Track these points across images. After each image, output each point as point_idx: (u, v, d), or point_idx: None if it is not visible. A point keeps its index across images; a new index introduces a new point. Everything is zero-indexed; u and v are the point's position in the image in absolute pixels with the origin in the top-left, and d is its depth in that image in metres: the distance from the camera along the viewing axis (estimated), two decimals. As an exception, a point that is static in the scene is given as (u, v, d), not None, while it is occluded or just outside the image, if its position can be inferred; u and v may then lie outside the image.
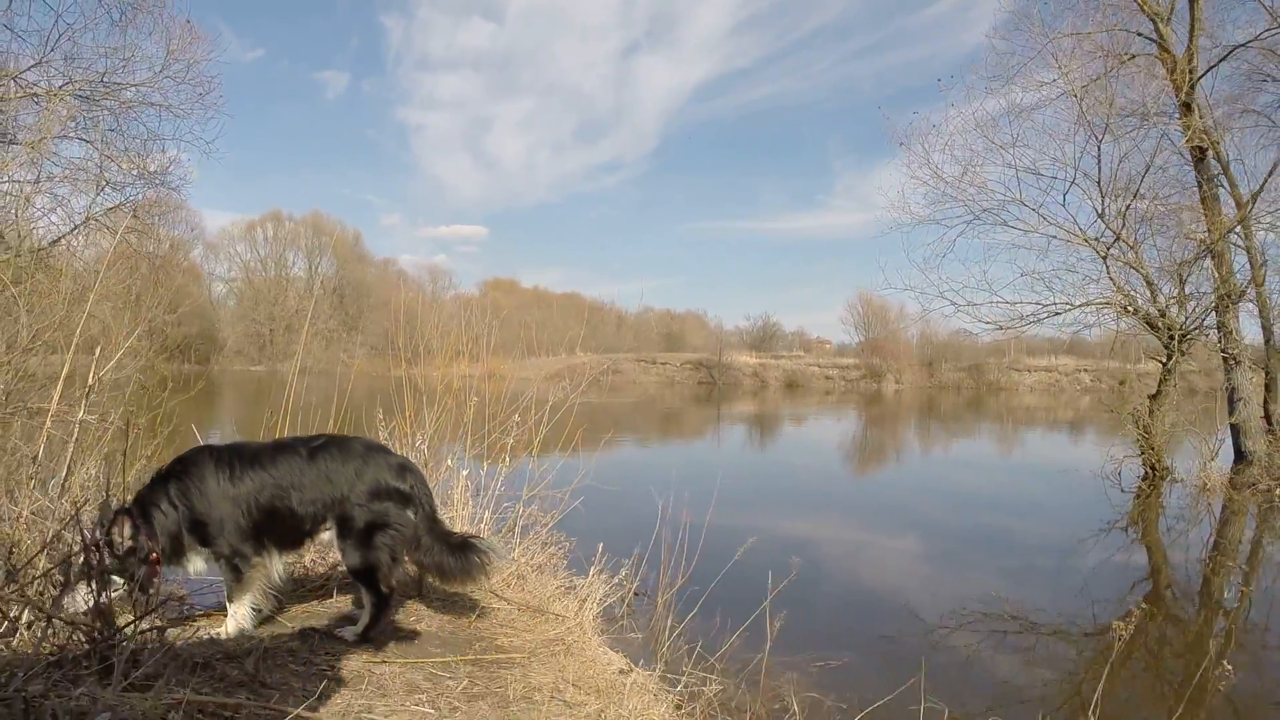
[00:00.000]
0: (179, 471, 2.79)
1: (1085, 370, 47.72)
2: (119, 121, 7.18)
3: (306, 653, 3.07)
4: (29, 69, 6.43)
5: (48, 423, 2.42)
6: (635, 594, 4.88)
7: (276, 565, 3.01)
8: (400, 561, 3.16)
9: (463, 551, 3.23)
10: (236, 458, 2.88)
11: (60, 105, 6.77)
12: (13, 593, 1.83)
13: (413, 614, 3.84)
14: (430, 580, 3.89)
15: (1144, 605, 5.91)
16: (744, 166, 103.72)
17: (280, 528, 2.94)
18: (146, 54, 7.29)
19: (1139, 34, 9.31)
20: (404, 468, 3.19)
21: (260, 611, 3.01)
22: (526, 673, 3.27)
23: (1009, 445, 20.00)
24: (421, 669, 3.10)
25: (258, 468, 2.88)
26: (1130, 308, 8.85)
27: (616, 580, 4.61)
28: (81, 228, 7.23)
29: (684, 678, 3.64)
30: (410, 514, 3.11)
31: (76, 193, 7.34)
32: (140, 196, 7.97)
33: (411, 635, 3.51)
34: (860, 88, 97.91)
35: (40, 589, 2.06)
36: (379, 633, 3.20)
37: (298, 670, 2.89)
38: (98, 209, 7.34)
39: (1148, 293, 8.95)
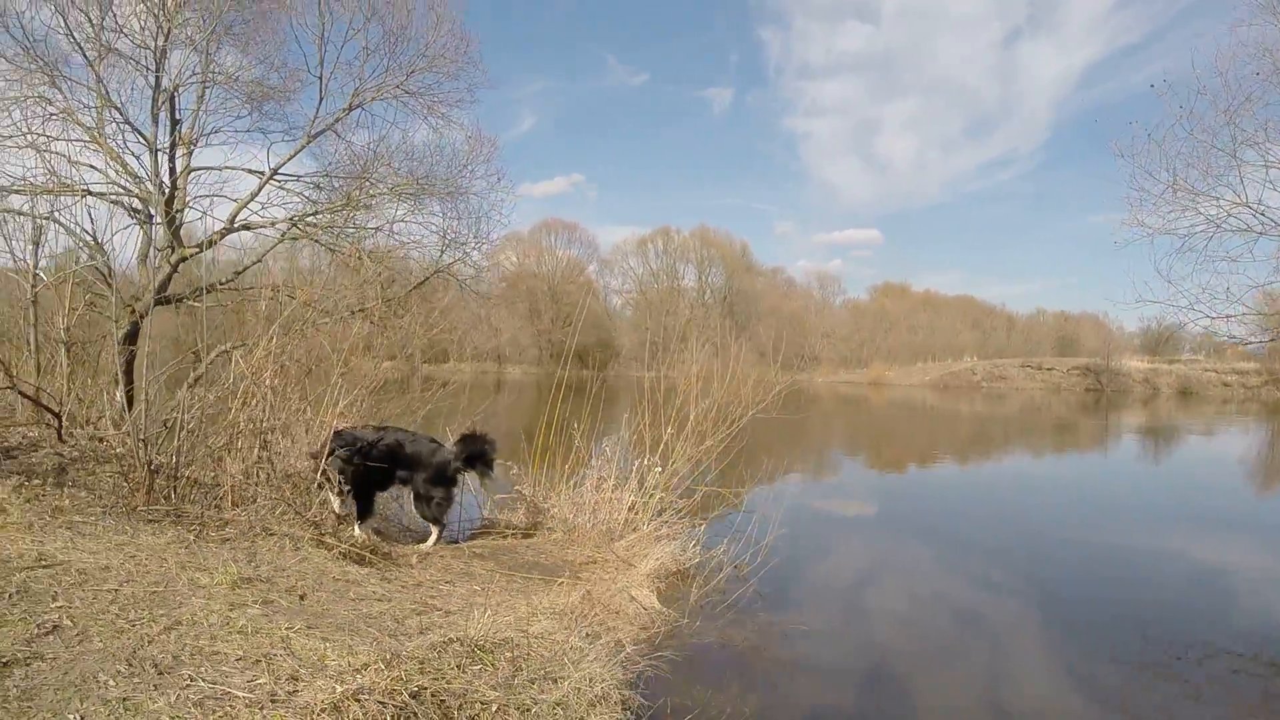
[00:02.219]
0: (352, 437, 5.42)
1: None
2: (448, 205, 11.05)
3: (450, 557, 5.49)
4: (380, 174, 10.54)
5: (322, 415, 5.24)
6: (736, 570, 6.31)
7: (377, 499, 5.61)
8: (447, 504, 5.67)
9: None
10: (379, 441, 5.45)
11: (399, 201, 10.87)
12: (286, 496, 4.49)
13: (541, 553, 6.03)
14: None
15: None
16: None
17: (386, 482, 5.53)
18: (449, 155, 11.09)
19: None
20: (453, 460, 5.74)
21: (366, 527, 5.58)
22: (573, 587, 5.17)
23: None
24: (512, 577, 5.25)
25: (391, 439, 5.43)
26: None
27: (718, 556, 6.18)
28: (431, 279, 11.28)
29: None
30: (454, 490, 5.75)
31: (424, 254, 11.45)
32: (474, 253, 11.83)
33: (529, 563, 5.71)
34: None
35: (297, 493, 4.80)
36: (439, 541, 5.75)
37: (439, 565, 5.31)
38: (443, 263, 11.31)
39: None
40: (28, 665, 2.22)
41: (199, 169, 10.52)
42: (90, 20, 9.05)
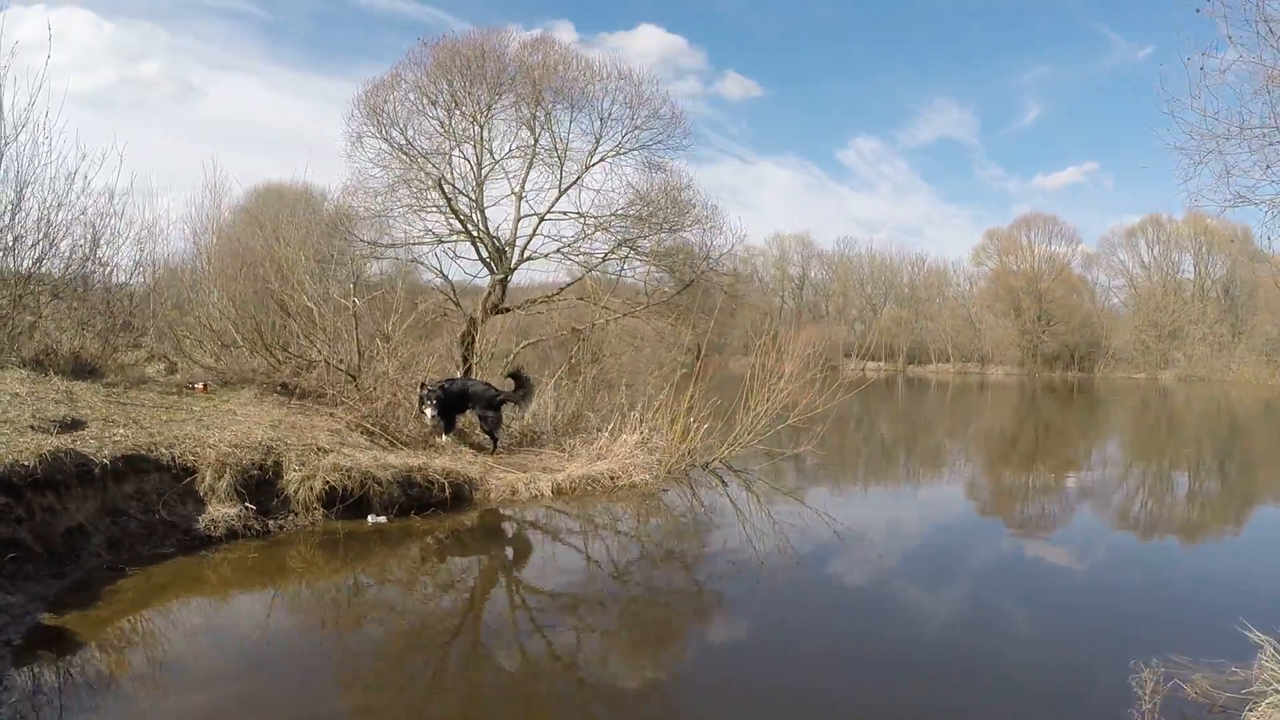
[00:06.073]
0: (439, 383, 10.60)
1: None
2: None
3: (473, 456, 10.47)
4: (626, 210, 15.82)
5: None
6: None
7: (461, 420, 10.62)
8: (495, 423, 10.32)
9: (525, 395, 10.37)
10: (459, 386, 10.58)
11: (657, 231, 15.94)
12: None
13: (536, 460, 10.55)
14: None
15: None
16: None
17: (462, 407, 10.45)
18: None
19: None
20: (501, 391, 10.41)
21: (450, 436, 10.64)
22: (463, 463, 9.66)
23: None
24: (485, 464, 10.01)
25: (464, 387, 10.55)
26: None
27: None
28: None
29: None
30: (500, 414, 10.42)
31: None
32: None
33: (510, 463, 10.35)
34: None
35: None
36: (499, 447, 10.39)
37: (462, 457, 10.35)
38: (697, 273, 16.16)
39: None
40: (178, 411, 8.18)
41: (526, 217, 17.43)
42: (441, 128, 16.47)
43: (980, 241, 68.48)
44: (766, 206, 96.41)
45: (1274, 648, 3.63)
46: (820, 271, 73.18)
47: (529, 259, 17.00)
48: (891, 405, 31.73)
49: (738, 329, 31.48)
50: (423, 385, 10.39)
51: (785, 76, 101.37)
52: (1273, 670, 3.50)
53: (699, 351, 14.61)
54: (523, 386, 10.83)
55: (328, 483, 7.66)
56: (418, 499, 8.35)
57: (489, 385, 10.93)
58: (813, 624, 5.85)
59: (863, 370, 60.21)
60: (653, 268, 16.78)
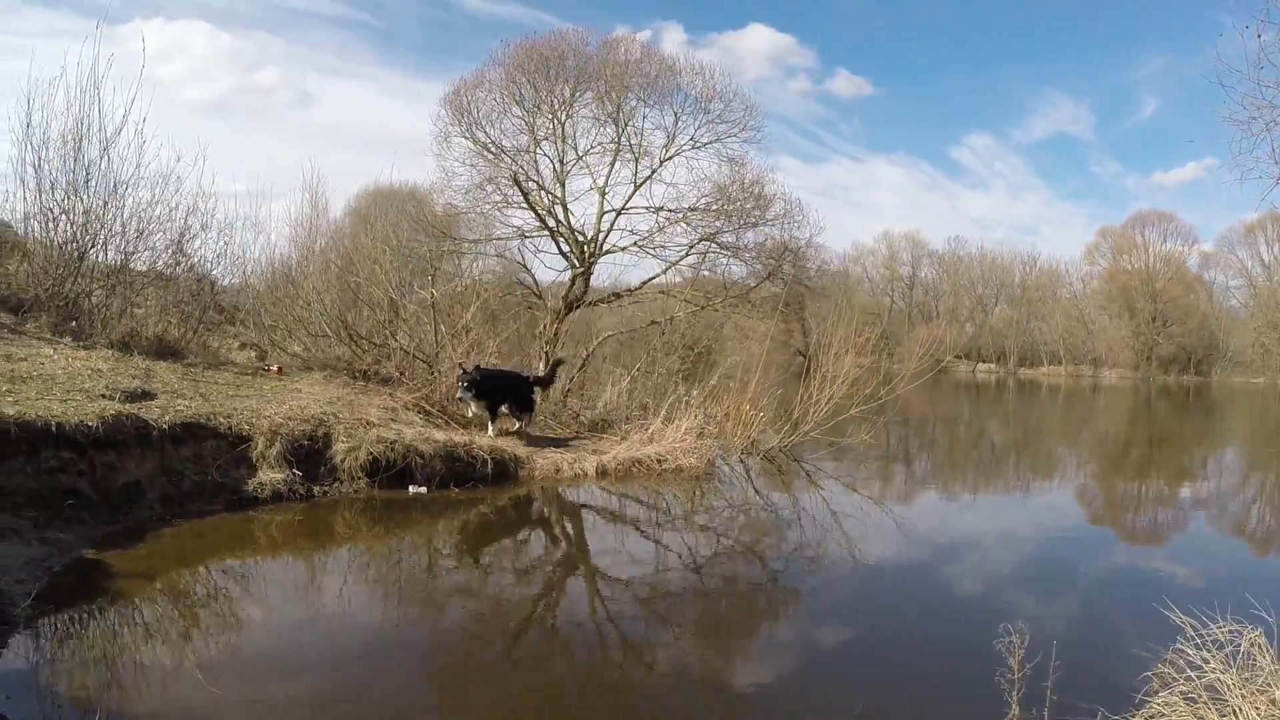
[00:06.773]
0: (480, 372, 11.09)
1: None
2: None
3: (517, 439, 10.87)
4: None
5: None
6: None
7: (503, 408, 11.02)
8: (525, 410, 10.65)
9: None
10: (495, 372, 11.02)
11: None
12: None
13: (593, 444, 10.83)
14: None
15: None
16: None
17: (502, 397, 10.80)
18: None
19: None
20: (537, 381, 10.75)
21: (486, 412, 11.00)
22: (522, 445, 9.98)
23: None
24: (533, 445, 10.37)
25: (500, 373, 10.98)
26: None
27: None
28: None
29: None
30: (535, 397, 10.65)
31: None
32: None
33: (557, 442, 10.68)
34: None
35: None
36: (529, 428, 10.63)
37: (508, 438, 10.75)
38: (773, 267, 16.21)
39: None
40: (246, 388, 8.88)
41: (609, 212, 17.85)
42: (525, 125, 17.07)
43: (1093, 239, 64.68)
44: (878, 205, 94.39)
45: (1194, 631, 3.36)
46: (930, 271, 71.12)
47: (608, 253, 17.33)
48: (1001, 407, 30.40)
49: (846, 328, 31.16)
50: (459, 366, 10.76)
51: (896, 74, 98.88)
52: (1188, 655, 3.28)
53: (805, 351, 14.46)
54: (544, 379, 11.43)
55: (371, 453, 8.12)
56: (460, 473, 8.69)
57: (522, 374, 11.36)
58: (882, 628, 5.71)
59: (973, 371, 58.51)
60: (734, 262, 16.80)
